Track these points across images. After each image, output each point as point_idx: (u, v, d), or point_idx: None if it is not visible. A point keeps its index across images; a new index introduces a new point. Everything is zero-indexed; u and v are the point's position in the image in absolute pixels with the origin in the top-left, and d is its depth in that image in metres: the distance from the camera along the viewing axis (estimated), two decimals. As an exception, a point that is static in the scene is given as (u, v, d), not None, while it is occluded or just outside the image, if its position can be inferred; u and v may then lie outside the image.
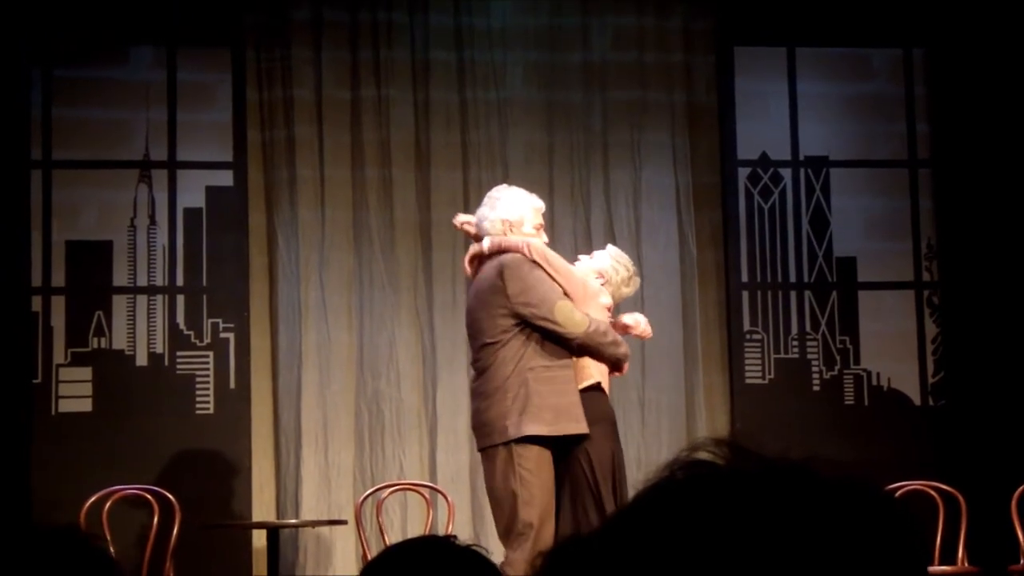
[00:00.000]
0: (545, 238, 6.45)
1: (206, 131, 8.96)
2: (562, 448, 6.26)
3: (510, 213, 6.33)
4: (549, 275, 6.26)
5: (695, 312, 9.16)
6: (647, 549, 1.31)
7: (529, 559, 6.03)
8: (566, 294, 6.27)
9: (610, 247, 6.84)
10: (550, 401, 6.15)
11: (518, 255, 6.24)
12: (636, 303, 9.02)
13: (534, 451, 6.15)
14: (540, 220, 6.43)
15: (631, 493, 6.27)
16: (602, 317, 6.42)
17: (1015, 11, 9.11)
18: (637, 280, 6.75)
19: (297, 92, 8.97)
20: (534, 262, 6.24)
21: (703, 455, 1.37)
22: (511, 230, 6.31)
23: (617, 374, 6.61)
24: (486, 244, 6.35)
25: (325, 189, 8.95)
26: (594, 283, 6.50)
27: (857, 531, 1.30)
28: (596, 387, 6.37)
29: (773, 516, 1.29)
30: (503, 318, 6.20)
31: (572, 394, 6.23)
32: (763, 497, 1.30)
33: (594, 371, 6.36)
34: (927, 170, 9.46)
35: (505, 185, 6.61)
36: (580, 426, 6.20)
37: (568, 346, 6.25)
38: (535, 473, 6.16)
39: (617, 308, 6.84)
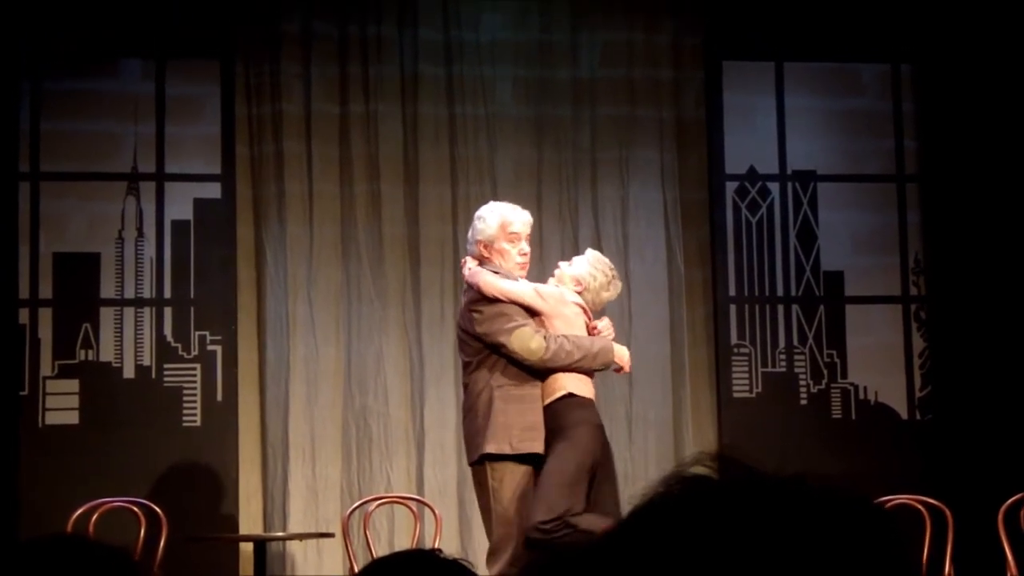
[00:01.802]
0: (524, 248, 6.51)
1: (194, 144, 8.96)
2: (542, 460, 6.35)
3: (483, 234, 6.51)
4: (514, 302, 6.36)
5: (683, 326, 9.17)
6: (643, 563, 1.32)
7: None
8: (533, 313, 6.35)
9: (589, 252, 6.82)
10: (514, 420, 6.28)
11: (476, 294, 6.36)
12: (623, 317, 9.04)
13: (508, 467, 6.25)
14: (516, 231, 6.50)
15: (624, 506, 6.31)
16: (575, 321, 6.46)
17: (1002, 27, 9.14)
18: (618, 284, 6.73)
19: (286, 106, 8.97)
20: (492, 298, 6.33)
21: (699, 470, 1.37)
22: (484, 250, 6.48)
23: (620, 372, 6.64)
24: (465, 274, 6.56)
25: (313, 203, 8.95)
26: (551, 289, 6.50)
27: (850, 544, 1.31)
28: (568, 396, 6.38)
29: (769, 530, 1.30)
30: (475, 342, 6.41)
31: (536, 413, 6.32)
32: (759, 512, 1.31)
33: (566, 382, 6.39)
34: (914, 185, 9.49)
35: (490, 202, 6.75)
36: (539, 445, 6.29)
37: (534, 369, 6.33)
38: (509, 488, 6.24)
39: (600, 313, 6.83)
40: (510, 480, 6.28)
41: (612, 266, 6.73)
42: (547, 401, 6.37)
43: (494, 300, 6.35)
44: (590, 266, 6.64)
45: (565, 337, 6.33)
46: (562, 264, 6.81)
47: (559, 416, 6.34)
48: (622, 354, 6.55)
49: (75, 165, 8.83)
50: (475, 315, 6.37)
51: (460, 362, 6.84)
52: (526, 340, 6.26)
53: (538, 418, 6.31)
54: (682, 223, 9.27)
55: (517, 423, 6.28)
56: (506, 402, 6.30)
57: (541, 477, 6.24)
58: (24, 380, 8.62)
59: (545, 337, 6.29)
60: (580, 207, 9.21)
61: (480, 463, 6.33)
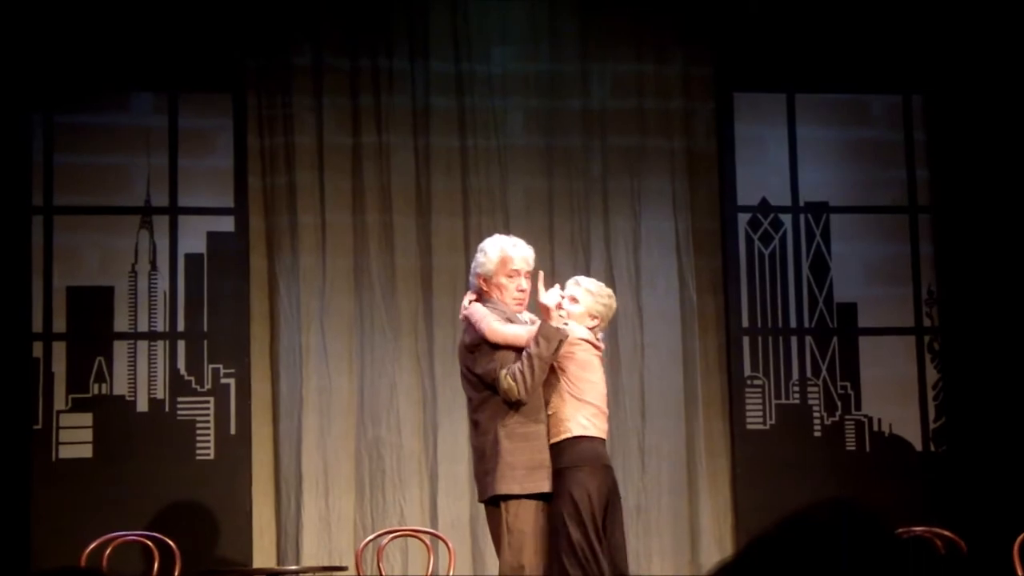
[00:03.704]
0: (524, 285, 6.46)
1: (207, 177, 8.98)
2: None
3: (483, 268, 6.46)
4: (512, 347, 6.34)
5: (695, 358, 9.16)
6: None
7: None
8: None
9: (584, 283, 6.64)
10: (521, 459, 6.22)
11: (476, 336, 6.33)
12: (636, 350, 9.04)
13: (523, 505, 6.22)
14: (516, 268, 6.43)
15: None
16: (585, 358, 6.40)
17: (1012, 58, 9.15)
18: (613, 295, 6.66)
19: (298, 138, 8.99)
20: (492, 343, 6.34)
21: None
22: (483, 283, 6.44)
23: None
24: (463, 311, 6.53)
25: (326, 235, 8.96)
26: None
27: None
28: (573, 439, 6.32)
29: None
30: (477, 381, 6.36)
31: (542, 451, 6.26)
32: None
33: (572, 425, 6.33)
34: (927, 216, 9.48)
35: (495, 236, 6.65)
36: (546, 484, 6.24)
37: (536, 406, 6.30)
38: (525, 525, 6.20)
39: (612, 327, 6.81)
40: (525, 517, 6.22)
41: (600, 284, 6.67)
42: (553, 441, 6.33)
43: (484, 348, 6.31)
44: (594, 299, 6.59)
45: (520, 358, 6.22)
46: (576, 311, 6.67)
47: (563, 457, 6.30)
48: (546, 303, 6.22)
49: (88, 199, 8.84)
50: (475, 356, 6.35)
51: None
52: (502, 384, 6.25)
53: (543, 456, 6.24)
54: (694, 253, 9.27)
55: (522, 463, 6.22)
56: (512, 440, 6.24)
57: (551, 539, 6.23)
58: (38, 414, 8.63)
59: (507, 376, 6.23)
60: (592, 237, 9.21)
61: (495, 503, 6.29)
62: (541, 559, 6.23)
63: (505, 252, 6.46)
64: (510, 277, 6.44)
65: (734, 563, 1.51)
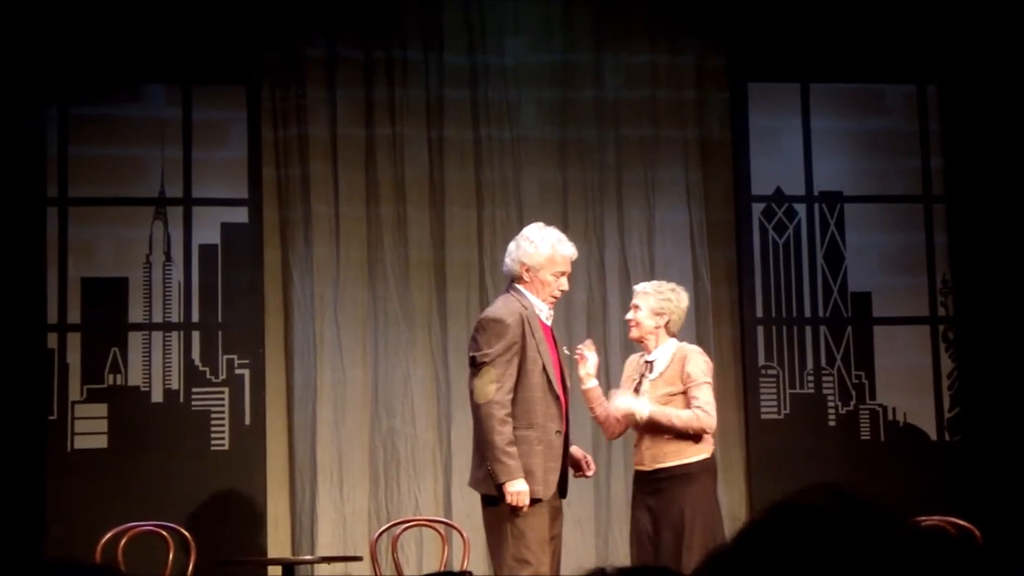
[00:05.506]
0: (565, 285, 6.44)
1: (221, 168, 9.00)
2: (658, 491, 6.51)
3: (530, 258, 6.36)
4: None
5: (710, 348, 9.11)
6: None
7: None
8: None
9: (643, 287, 6.75)
10: None
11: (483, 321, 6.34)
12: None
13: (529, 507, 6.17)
14: (564, 270, 6.41)
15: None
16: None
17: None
18: (680, 288, 6.80)
19: (312, 130, 9.00)
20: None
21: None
22: (525, 273, 6.35)
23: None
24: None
25: (340, 226, 8.97)
26: (699, 363, 6.63)
27: None
28: (713, 456, 6.65)
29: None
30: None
31: (529, 456, 6.17)
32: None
33: (710, 445, 6.63)
34: (941, 205, 9.46)
35: (540, 225, 6.58)
36: (539, 490, 6.17)
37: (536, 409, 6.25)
38: (530, 528, 6.14)
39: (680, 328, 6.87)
40: (532, 520, 6.17)
41: (660, 282, 6.83)
42: (697, 458, 6.54)
43: (498, 321, 6.27)
44: (653, 297, 6.64)
45: (507, 421, 6.15)
46: (642, 317, 6.70)
47: (708, 467, 6.60)
48: (510, 491, 6.09)
49: (103, 190, 8.86)
50: (476, 337, 6.30)
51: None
52: (487, 380, 6.19)
53: (529, 460, 6.15)
54: (708, 244, 9.26)
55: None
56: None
57: (695, 538, 6.37)
58: (53, 405, 8.65)
59: (498, 395, 6.15)
60: (606, 228, 9.21)
61: (494, 503, 6.23)
62: (540, 549, 6.18)
63: (556, 251, 6.40)
64: (555, 276, 6.41)
65: (727, 551, 1.51)
